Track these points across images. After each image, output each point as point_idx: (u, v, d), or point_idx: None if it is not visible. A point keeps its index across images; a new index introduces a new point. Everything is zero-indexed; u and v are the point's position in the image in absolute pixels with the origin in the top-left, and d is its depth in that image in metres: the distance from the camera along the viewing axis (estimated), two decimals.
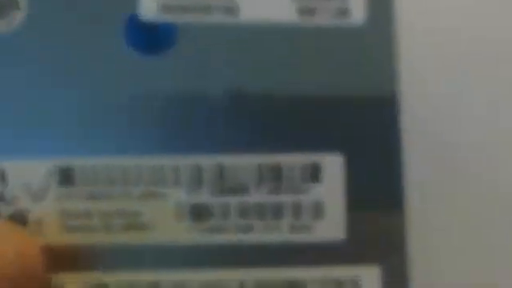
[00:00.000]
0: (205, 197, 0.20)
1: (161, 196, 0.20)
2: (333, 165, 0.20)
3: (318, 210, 0.20)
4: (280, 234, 0.20)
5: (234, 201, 0.20)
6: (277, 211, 0.20)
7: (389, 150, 0.20)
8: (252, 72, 0.21)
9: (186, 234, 0.20)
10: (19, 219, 0.20)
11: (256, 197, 0.20)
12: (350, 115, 0.21)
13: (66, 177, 0.20)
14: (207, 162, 0.20)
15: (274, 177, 0.20)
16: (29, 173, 0.20)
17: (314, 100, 0.21)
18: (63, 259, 0.20)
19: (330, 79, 0.21)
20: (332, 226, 0.20)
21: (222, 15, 0.21)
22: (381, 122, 0.21)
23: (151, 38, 0.21)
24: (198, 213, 0.20)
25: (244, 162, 0.20)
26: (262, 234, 0.20)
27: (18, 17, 0.20)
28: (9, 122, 0.20)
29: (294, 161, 0.20)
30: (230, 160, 0.20)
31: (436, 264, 0.22)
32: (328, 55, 0.21)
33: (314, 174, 0.20)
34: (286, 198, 0.20)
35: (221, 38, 0.21)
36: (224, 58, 0.21)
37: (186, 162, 0.20)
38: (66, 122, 0.20)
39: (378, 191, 0.20)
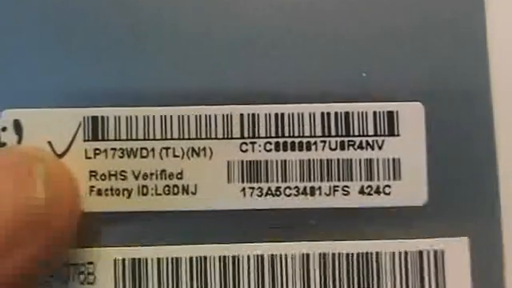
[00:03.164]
0: (260, 153, 0.18)
1: (208, 152, 0.18)
2: (413, 114, 0.18)
3: (394, 169, 0.18)
4: (349, 197, 0.18)
5: (294, 157, 0.18)
6: (345, 170, 0.18)
7: (477, 100, 0.18)
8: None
9: (237, 198, 0.18)
10: None
11: (320, 153, 0.18)
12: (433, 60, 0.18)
13: (94, 128, 0.18)
14: (264, 111, 0.18)
15: (342, 128, 0.18)
16: (49, 123, 0.18)
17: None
18: (90, 229, 0.18)
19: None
20: (411, 189, 0.18)
21: None
22: (468, 68, 0.18)
23: None
24: (252, 172, 0.18)
25: (306, 111, 0.18)
26: (328, 198, 0.18)
27: None
28: (25, 64, 0.18)
29: (365, 109, 0.18)
30: (291, 109, 0.18)
31: None
32: None
33: (389, 124, 0.18)
34: (355, 155, 0.18)
35: None
36: None
37: (238, 111, 0.18)
38: (94, 67, 0.18)
39: (465, 147, 0.18)
